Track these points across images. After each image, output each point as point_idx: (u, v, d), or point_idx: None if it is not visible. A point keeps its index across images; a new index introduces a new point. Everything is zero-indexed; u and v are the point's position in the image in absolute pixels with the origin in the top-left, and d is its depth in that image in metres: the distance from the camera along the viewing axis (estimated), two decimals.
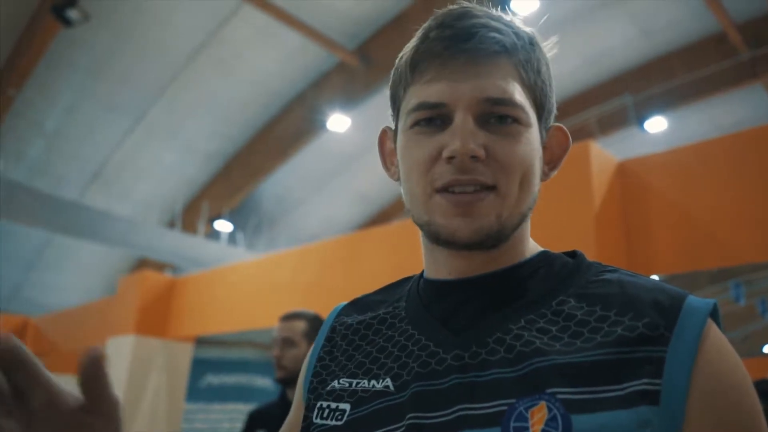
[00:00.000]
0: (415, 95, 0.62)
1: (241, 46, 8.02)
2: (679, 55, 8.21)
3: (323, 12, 7.48)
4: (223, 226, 10.25)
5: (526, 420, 0.51)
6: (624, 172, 3.50)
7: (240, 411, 8.95)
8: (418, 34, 0.64)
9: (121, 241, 8.08)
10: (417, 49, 0.63)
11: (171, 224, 10.24)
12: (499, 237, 0.59)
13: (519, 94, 0.60)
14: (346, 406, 0.61)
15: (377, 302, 0.72)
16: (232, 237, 10.57)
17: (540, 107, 0.63)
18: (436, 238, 0.60)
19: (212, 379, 8.93)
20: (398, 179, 0.67)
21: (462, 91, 0.59)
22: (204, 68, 8.26)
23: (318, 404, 0.64)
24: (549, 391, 0.51)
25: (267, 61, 8.33)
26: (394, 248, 4.58)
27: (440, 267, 0.64)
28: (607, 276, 0.60)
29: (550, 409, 0.50)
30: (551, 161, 0.66)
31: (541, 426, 0.50)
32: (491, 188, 0.58)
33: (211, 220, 10.20)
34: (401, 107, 0.66)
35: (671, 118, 8.90)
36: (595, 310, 0.56)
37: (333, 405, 0.63)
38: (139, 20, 7.46)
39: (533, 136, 0.61)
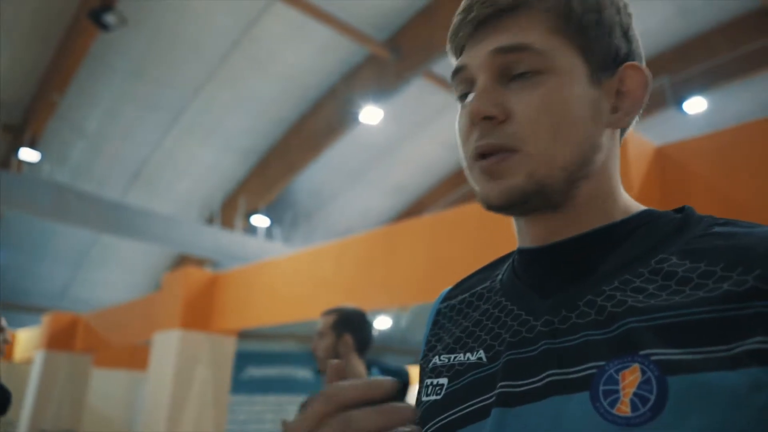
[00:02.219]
0: (453, 70, 0.63)
1: (273, 42, 8.10)
2: (719, 32, 7.98)
3: (352, 5, 7.49)
4: (260, 221, 10.39)
5: (616, 383, 0.47)
6: (663, 158, 3.44)
7: (281, 402, 9.12)
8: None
9: (163, 238, 8.29)
10: (449, 32, 0.63)
11: (210, 220, 10.44)
12: (544, 196, 0.56)
13: (538, 41, 0.57)
14: (444, 381, 0.61)
15: (479, 280, 0.71)
16: (269, 232, 10.71)
17: (586, 49, 0.58)
18: (483, 206, 0.59)
19: (254, 372, 9.11)
20: None
21: (475, 53, 0.59)
22: (238, 66, 8.37)
23: (425, 382, 0.65)
24: (643, 352, 0.47)
25: (299, 57, 8.39)
26: (433, 240, 4.58)
27: (523, 235, 0.63)
28: (718, 229, 0.54)
29: (644, 372, 0.46)
30: (631, 104, 0.61)
31: (633, 389, 0.46)
32: (514, 150, 0.55)
33: (248, 215, 10.36)
34: None
35: (711, 99, 8.66)
36: (699, 266, 0.51)
37: (435, 381, 0.63)
38: (174, 21, 7.59)
39: (566, 83, 0.57)
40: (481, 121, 0.56)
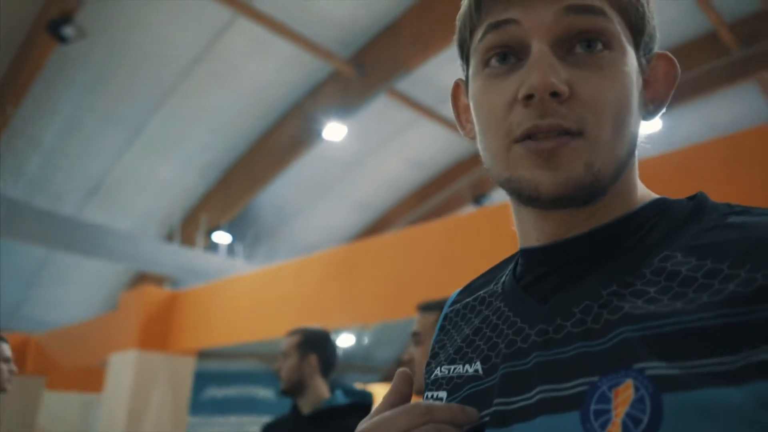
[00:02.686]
0: (485, 25, 0.53)
1: (237, 57, 8.05)
2: (672, 54, 8.26)
3: (317, 22, 7.51)
4: (221, 237, 10.26)
5: (609, 401, 0.42)
6: None
7: (242, 423, 8.94)
8: None
9: (121, 255, 8.09)
10: None
11: (170, 237, 10.24)
12: (592, 191, 0.50)
13: (609, 10, 0.50)
14: (444, 394, 0.57)
15: (485, 282, 0.66)
16: (230, 248, 10.57)
17: (636, 31, 0.53)
18: (518, 195, 0.51)
19: (214, 392, 8.93)
20: (474, 137, 0.58)
21: (536, 8, 0.49)
22: (200, 81, 8.29)
23: (425, 395, 0.61)
24: (637, 366, 0.42)
25: (262, 72, 8.36)
26: (395, 257, 4.59)
27: (529, 233, 0.56)
28: (732, 219, 0.48)
29: (637, 389, 0.41)
30: (656, 97, 0.56)
31: (625, 408, 0.41)
32: (577, 134, 0.48)
33: (210, 232, 10.21)
34: (470, 50, 0.56)
35: (666, 118, 8.94)
36: (705, 264, 0.45)
37: (434, 394, 0.59)
38: (135, 35, 7.49)
39: (629, 66, 0.51)
40: (546, 98, 0.48)
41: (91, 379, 8.92)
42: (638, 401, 0.41)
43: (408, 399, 0.51)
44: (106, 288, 11.40)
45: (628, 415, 0.41)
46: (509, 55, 0.52)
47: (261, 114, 9.08)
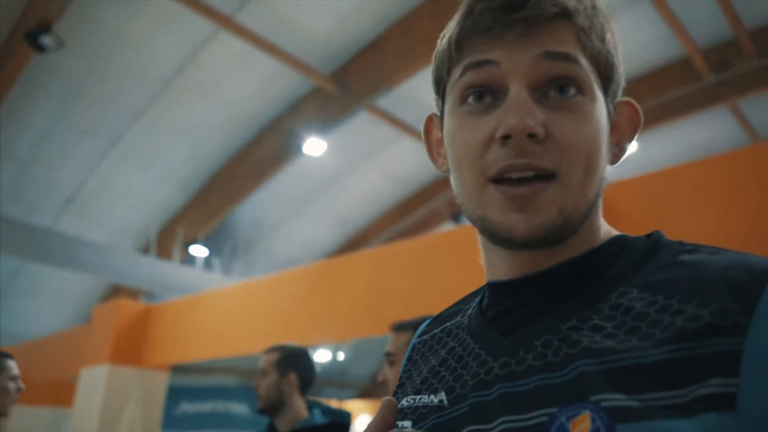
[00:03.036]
0: (464, 64, 0.54)
1: (218, 71, 8.04)
2: (646, 79, 8.43)
3: (299, 37, 7.54)
4: (198, 251, 10.16)
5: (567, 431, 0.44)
6: None
7: None
8: (461, 8, 0.55)
9: (95, 267, 7.96)
10: (462, 25, 0.54)
11: (146, 250, 10.12)
12: (563, 233, 0.51)
13: (582, 59, 0.52)
14: (408, 424, 0.58)
15: (453, 313, 0.67)
16: (207, 262, 10.47)
17: (606, 79, 0.55)
18: (491, 236, 0.53)
19: (188, 407, 8.78)
20: (447, 170, 0.59)
21: (516, 54, 0.51)
22: (180, 93, 8.25)
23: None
24: (593, 398, 0.44)
25: (243, 86, 8.35)
26: (372, 274, 4.59)
27: (497, 267, 0.57)
28: (683, 257, 0.50)
29: (593, 420, 0.43)
30: (620, 142, 0.58)
31: None
32: (551, 176, 0.50)
33: (187, 245, 10.11)
34: (447, 88, 0.58)
35: (641, 140, 9.11)
36: (657, 300, 0.47)
37: (401, 424, 0.59)
38: (115, 46, 7.44)
39: (600, 112, 0.53)
40: (523, 138, 0.49)
41: (62, 393, 8.73)
42: None
43: (392, 427, 0.52)
44: (79, 300, 11.20)
45: None
46: (486, 94, 0.53)
47: (241, 128, 9.06)
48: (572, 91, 0.52)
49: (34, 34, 6.41)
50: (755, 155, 3.49)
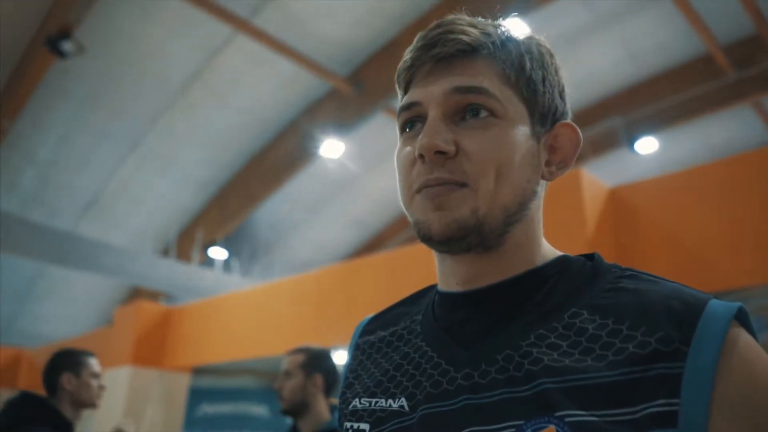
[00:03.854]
0: (400, 105, 0.64)
1: (235, 74, 8.08)
2: (667, 77, 8.33)
3: (315, 40, 7.56)
4: (217, 253, 10.22)
5: None
6: (616, 199, 3.53)
7: None
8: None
9: (116, 270, 8.04)
10: (401, 65, 0.65)
11: (165, 253, 10.21)
12: (481, 234, 0.57)
13: (494, 87, 0.59)
14: (366, 427, 0.60)
15: (399, 315, 0.71)
16: (226, 264, 10.53)
17: (529, 102, 0.61)
18: (419, 237, 0.59)
19: (208, 409, 8.83)
20: None
21: (431, 89, 0.60)
22: (198, 97, 8.31)
23: (344, 425, 0.64)
24: (558, 413, 0.49)
25: (260, 89, 8.39)
26: (392, 275, 4.58)
27: (449, 277, 0.63)
28: (624, 283, 0.56)
29: None
30: (562, 160, 0.64)
31: None
32: (463, 185, 0.56)
33: (206, 247, 10.18)
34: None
35: (662, 139, 8.99)
36: (608, 324, 0.53)
37: (355, 425, 0.62)
38: (134, 51, 7.52)
39: (514, 130, 0.59)
40: (433, 156, 0.57)
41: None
42: None
43: None
44: (101, 303, 11.34)
45: None
46: (417, 122, 0.62)
47: (258, 130, 9.10)
48: (484, 113, 0.58)
49: (55, 40, 6.49)
50: None
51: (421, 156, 0.57)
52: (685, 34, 7.56)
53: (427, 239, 0.58)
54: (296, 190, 9.97)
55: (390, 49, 7.67)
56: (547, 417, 0.49)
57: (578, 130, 0.64)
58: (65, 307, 11.21)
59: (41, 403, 2.15)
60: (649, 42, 7.91)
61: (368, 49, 7.85)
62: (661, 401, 0.47)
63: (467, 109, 0.59)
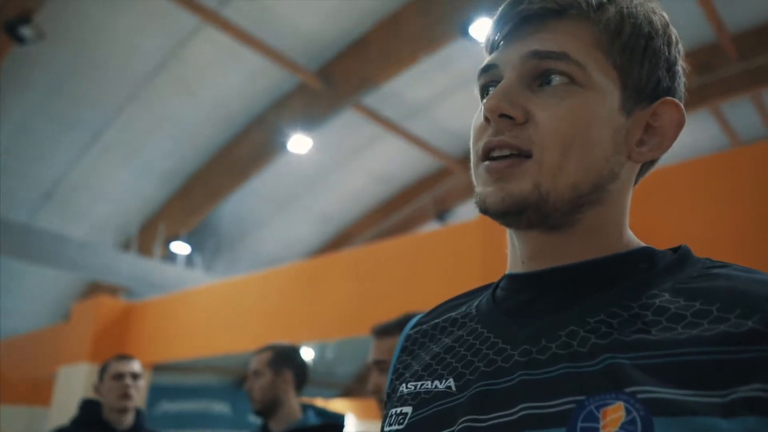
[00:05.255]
0: (479, 68, 0.61)
1: (202, 66, 7.95)
2: None
3: (285, 33, 7.48)
4: (180, 248, 10.05)
5: (596, 420, 0.44)
6: None
7: None
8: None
9: (74, 264, 7.84)
10: (495, 17, 0.60)
11: (126, 246, 9.99)
12: (543, 211, 0.53)
13: (579, 52, 0.54)
14: (409, 409, 0.57)
15: (455, 306, 0.68)
16: (189, 259, 10.37)
17: (624, 72, 0.56)
18: (479, 209, 0.56)
19: (168, 406, 8.69)
20: None
21: (509, 51, 0.57)
22: (163, 88, 8.15)
23: (389, 412, 0.61)
24: (629, 390, 0.44)
25: (228, 82, 8.27)
26: (358, 273, 4.56)
27: (515, 256, 0.59)
28: (716, 270, 0.52)
29: (628, 411, 0.43)
30: (661, 142, 0.59)
31: (615, 428, 0.43)
32: (527, 156, 0.53)
33: (168, 242, 10.00)
34: None
35: None
36: (694, 305, 0.48)
37: (399, 410, 0.59)
38: (97, 38, 7.32)
39: (596, 101, 0.54)
40: (498, 119, 0.54)
41: (39, 392, 8.58)
42: (629, 423, 0.42)
43: None
44: (57, 298, 11.04)
45: None
46: (491, 86, 0.59)
47: (225, 123, 8.97)
48: (563, 80, 0.54)
49: (13, 25, 6.28)
50: (738, 159, 3.52)
51: (486, 119, 0.55)
52: None
53: (482, 211, 0.55)
54: (262, 185, 9.87)
55: (361, 45, 7.64)
56: (615, 393, 0.44)
57: (683, 109, 0.59)
58: (19, 302, 10.87)
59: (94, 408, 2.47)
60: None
61: (339, 45, 7.80)
62: (757, 386, 0.42)
63: (544, 76, 0.55)
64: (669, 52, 0.59)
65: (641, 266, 0.55)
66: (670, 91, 0.59)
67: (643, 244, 0.59)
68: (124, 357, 2.54)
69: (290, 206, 10.95)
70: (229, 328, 5.32)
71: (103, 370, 2.48)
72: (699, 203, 3.32)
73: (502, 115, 0.53)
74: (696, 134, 9.56)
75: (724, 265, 0.53)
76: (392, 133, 9.17)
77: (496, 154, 0.54)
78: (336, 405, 10.10)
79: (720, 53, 7.71)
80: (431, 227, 10.59)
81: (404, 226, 11.33)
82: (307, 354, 10.46)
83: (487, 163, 0.54)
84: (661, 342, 0.46)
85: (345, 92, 7.77)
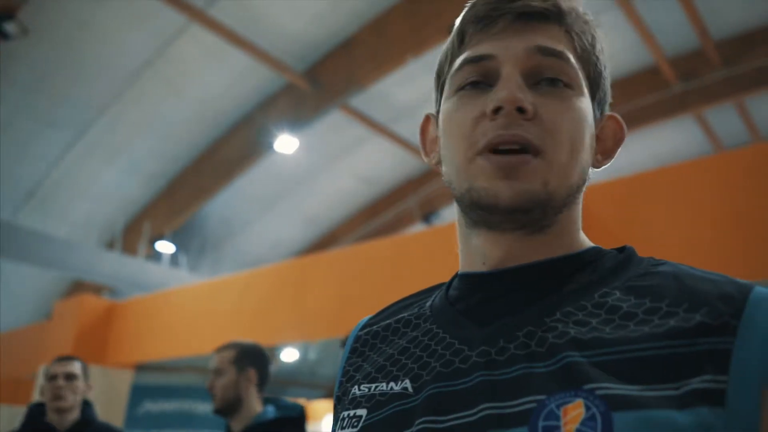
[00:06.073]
0: (461, 57, 0.58)
1: (188, 65, 7.91)
2: (614, 86, 8.46)
3: (273, 34, 7.47)
4: (164, 247, 9.98)
5: (557, 418, 0.44)
6: None
7: None
8: (467, 5, 0.60)
9: (57, 262, 7.75)
10: (464, 17, 0.59)
11: (110, 245, 9.91)
12: (545, 209, 0.54)
13: (572, 58, 0.56)
14: (363, 412, 0.56)
15: (405, 306, 0.67)
16: (174, 259, 10.30)
17: (594, 84, 0.59)
18: (477, 205, 0.54)
19: (151, 406, 8.61)
20: (437, 163, 0.63)
21: (510, 44, 0.55)
22: (149, 86, 8.10)
23: (341, 415, 0.60)
24: (587, 387, 0.45)
25: (214, 81, 8.24)
26: (342, 274, 4.56)
27: (475, 256, 0.58)
28: (661, 268, 0.53)
29: (588, 408, 0.44)
30: (605, 152, 0.61)
31: (576, 425, 0.43)
32: (537, 152, 0.52)
33: (153, 241, 9.93)
34: (446, 79, 0.61)
35: None
36: (644, 302, 0.49)
37: (352, 412, 0.57)
38: (82, 36, 7.26)
39: (585, 106, 0.56)
40: (513, 112, 0.52)
41: (19, 391, 8.48)
42: (589, 419, 0.43)
43: None
44: (39, 296, 10.92)
45: (578, 431, 0.43)
46: (481, 82, 0.56)
47: (211, 123, 8.93)
48: (561, 84, 0.55)
49: None
50: (720, 164, 3.57)
51: (496, 111, 0.52)
52: (633, 45, 7.80)
53: (491, 207, 0.53)
54: (248, 185, 9.83)
55: (348, 46, 7.64)
56: (574, 391, 0.45)
57: (624, 126, 0.62)
58: (2, 300, 10.75)
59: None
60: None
61: (326, 46, 7.80)
62: (707, 377, 0.43)
63: (543, 76, 0.55)
64: (608, 71, 0.62)
65: (592, 265, 0.56)
66: (608, 102, 0.63)
67: (592, 244, 0.60)
68: (62, 358, 2.57)
69: (276, 207, 10.92)
70: (213, 328, 5.30)
71: (45, 372, 2.53)
72: (682, 207, 3.36)
73: (518, 108, 0.52)
74: (680, 140, 9.67)
75: (666, 263, 0.54)
76: (379, 135, 9.18)
77: (503, 147, 0.52)
78: (319, 406, 10.08)
79: (704, 60, 7.81)
80: (417, 229, 10.61)
81: (390, 228, 11.34)
82: (291, 355, 10.42)
83: (495, 156, 0.53)
84: (615, 340, 0.47)
85: (332, 93, 7.77)
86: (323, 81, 7.82)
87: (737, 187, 3.23)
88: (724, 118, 9.10)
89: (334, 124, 8.87)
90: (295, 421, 2.08)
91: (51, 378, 2.44)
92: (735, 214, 3.15)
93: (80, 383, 2.50)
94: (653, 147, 9.70)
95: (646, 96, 8.29)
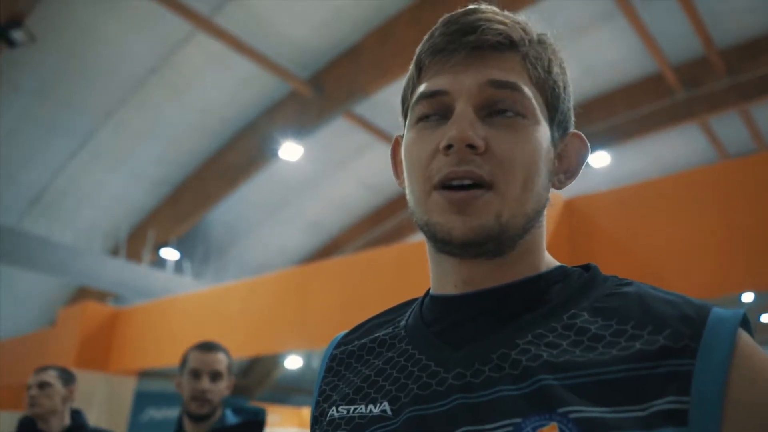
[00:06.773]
0: (419, 90, 0.60)
1: (193, 72, 7.94)
2: (619, 94, 8.58)
3: (277, 41, 7.50)
4: (169, 254, 10.00)
5: None
6: (571, 211, 3.61)
7: None
8: (427, 35, 0.62)
9: (62, 269, 7.77)
10: (423, 48, 0.61)
11: (115, 252, 9.93)
12: (500, 240, 0.55)
13: (525, 86, 0.57)
14: None
15: (379, 324, 0.68)
16: (178, 265, 10.31)
17: (552, 108, 0.60)
18: (434, 239, 0.57)
19: (154, 413, 8.61)
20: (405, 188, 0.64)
21: (463, 79, 0.56)
22: (154, 93, 8.13)
23: None
24: (561, 410, 0.46)
25: (219, 89, 8.27)
26: (347, 281, 4.56)
27: (446, 279, 0.60)
28: (625, 289, 0.55)
29: (562, 430, 0.46)
30: (568, 170, 0.63)
31: None
32: (490, 186, 0.54)
33: (157, 248, 9.95)
34: (409, 106, 0.63)
35: (614, 153, 9.26)
36: (611, 324, 0.51)
37: None
38: (89, 43, 7.31)
39: (541, 134, 0.57)
40: (463, 148, 0.54)
41: (23, 397, 8.48)
42: None
43: None
44: (44, 303, 10.94)
45: None
46: (437, 113, 0.58)
47: (216, 130, 8.96)
48: (512, 113, 0.56)
49: (4, 29, 6.26)
50: (725, 172, 3.56)
51: (448, 147, 0.54)
52: (638, 52, 7.81)
53: (446, 243, 0.55)
54: (253, 192, 9.85)
55: (352, 54, 7.67)
56: (549, 414, 0.47)
57: (587, 142, 0.64)
58: (6, 306, 10.77)
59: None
60: (604, 59, 8.14)
61: (330, 54, 7.83)
62: (671, 398, 0.45)
63: (496, 107, 0.56)
64: (571, 89, 0.64)
65: (559, 285, 0.58)
66: (573, 125, 0.64)
67: (558, 263, 0.62)
68: (38, 369, 2.64)
69: (280, 214, 10.93)
70: (217, 335, 5.30)
71: None
72: (686, 215, 3.35)
73: (468, 145, 0.54)
74: (684, 147, 9.66)
75: (630, 283, 0.56)
76: (383, 142, 9.19)
77: (455, 183, 0.54)
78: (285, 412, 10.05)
79: (708, 68, 7.81)
80: (421, 237, 10.60)
81: (394, 236, 11.34)
82: (295, 362, 10.41)
83: (447, 192, 0.54)
84: (585, 363, 0.49)
85: (336, 101, 7.79)
86: (327, 88, 7.84)
87: (742, 195, 3.22)
88: (729, 126, 9.08)
89: (338, 131, 8.89)
90: (259, 425, 2.03)
91: (27, 388, 2.54)
92: (740, 222, 3.14)
93: (57, 389, 2.55)
94: (658, 154, 9.69)
95: (650, 104, 8.29)
